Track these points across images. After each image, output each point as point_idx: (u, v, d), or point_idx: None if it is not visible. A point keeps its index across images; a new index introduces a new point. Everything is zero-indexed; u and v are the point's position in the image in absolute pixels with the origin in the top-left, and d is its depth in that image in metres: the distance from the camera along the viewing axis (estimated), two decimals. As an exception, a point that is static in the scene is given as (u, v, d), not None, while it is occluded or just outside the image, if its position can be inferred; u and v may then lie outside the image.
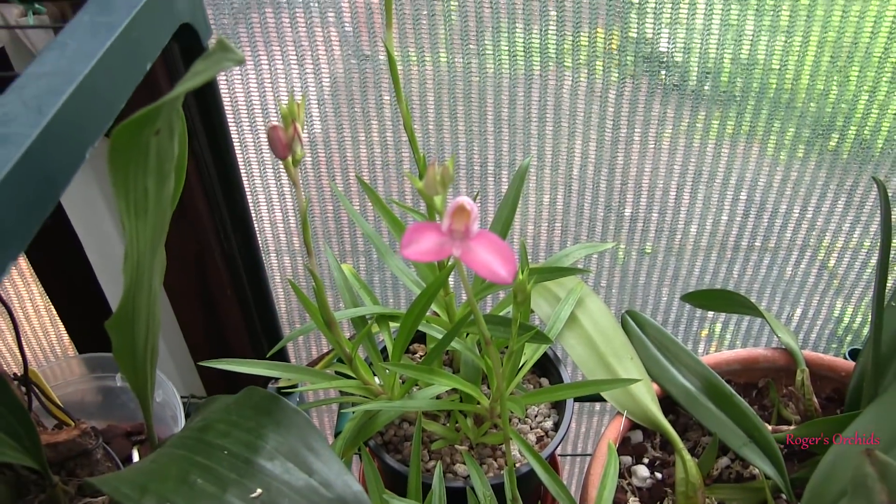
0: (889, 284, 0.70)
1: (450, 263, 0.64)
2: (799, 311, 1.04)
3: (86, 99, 0.44)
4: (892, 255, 0.65)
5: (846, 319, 1.02)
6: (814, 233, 0.94)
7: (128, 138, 0.38)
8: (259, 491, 0.46)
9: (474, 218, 0.35)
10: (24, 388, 0.70)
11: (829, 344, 1.06)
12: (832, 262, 0.98)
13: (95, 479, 0.47)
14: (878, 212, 0.89)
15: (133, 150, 0.40)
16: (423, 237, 0.35)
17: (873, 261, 0.95)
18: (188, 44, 0.61)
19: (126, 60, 0.48)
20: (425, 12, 0.78)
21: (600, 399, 0.74)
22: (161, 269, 0.53)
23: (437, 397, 0.67)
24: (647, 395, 0.70)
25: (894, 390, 0.59)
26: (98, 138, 0.44)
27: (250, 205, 0.82)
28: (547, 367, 0.75)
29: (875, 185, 0.84)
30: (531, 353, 0.70)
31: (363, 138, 0.88)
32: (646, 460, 0.70)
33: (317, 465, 0.48)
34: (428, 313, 0.69)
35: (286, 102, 0.46)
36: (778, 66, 0.80)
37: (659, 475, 0.69)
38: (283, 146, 0.47)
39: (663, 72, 0.83)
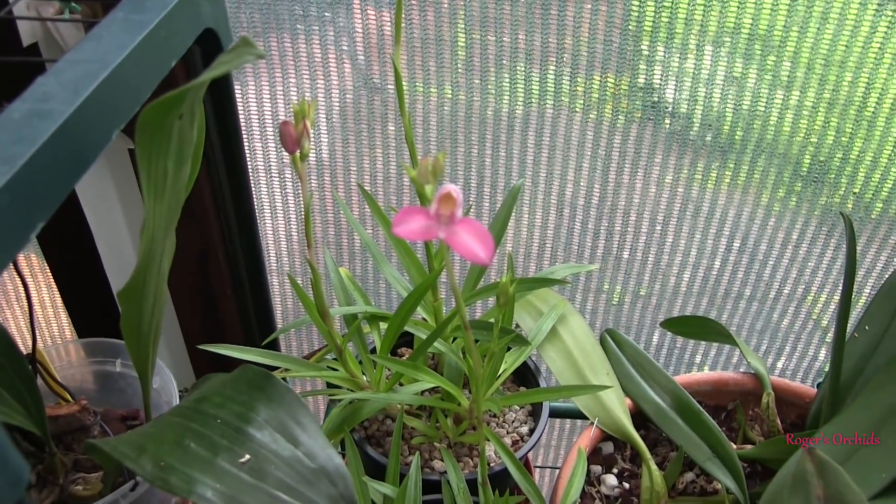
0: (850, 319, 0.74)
1: (437, 268, 0.68)
2: (783, 361, 1.07)
3: (116, 85, 0.48)
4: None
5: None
6: (802, 282, 0.98)
7: (154, 119, 0.43)
8: (247, 457, 0.49)
9: (459, 204, 0.39)
10: (30, 366, 0.73)
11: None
12: (817, 310, 1.02)
13: (97, 441, 0.51)
14: (867, 258, 0.93)
15: (158, 130, 0.44)
16: (413, 218, 0.39)
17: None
18: (210, 49, 0.65)
19: (154, 56, 0.53)
20: (433, 40, 0.83)
21: (576, 416, 0.78)
22: (170, 253, 0.57)
23: (421, 395, 0.70)
24: (619, 408, 0.74)
25: (848, 413, 0.62)
26: (125, 122, 0.48)
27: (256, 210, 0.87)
28: (527, 377, 0.79)
29: (842, 221, 0.88)
30: (511, 361, 0.74)
31: (367, 159, 0.92)
32: (615, 470, 0.74)
33: (303, 437, 0.51)
34: (418, 318, 0.73)
35: (298, 102, 0.51)
36: (776, 120, 0.85)
37: (627, 485, 0.73)
38: (292, 141, 0.51)
39: (668, 119, 0.88)
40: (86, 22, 0.71)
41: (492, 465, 0.69)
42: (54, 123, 0.42)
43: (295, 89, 0.88)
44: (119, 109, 0.49)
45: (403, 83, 0.81)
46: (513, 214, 0.78)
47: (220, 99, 0.72)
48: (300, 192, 0.95)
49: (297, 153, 0.52)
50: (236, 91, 0.86)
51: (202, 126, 0.55)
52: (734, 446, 0.71)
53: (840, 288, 0.97)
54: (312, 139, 0.91)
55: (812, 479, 0.45)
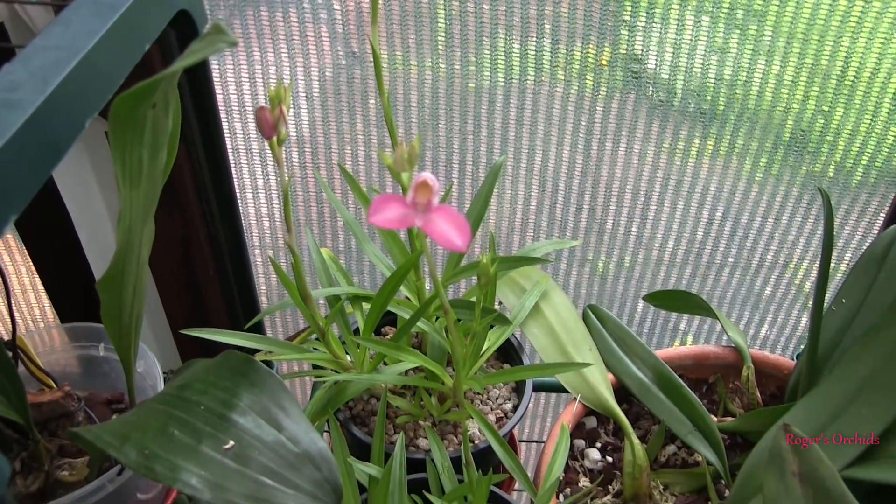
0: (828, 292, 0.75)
1: (419, 248, 0.68)
2: (765, 329, 1.08)
3: (87, 73, 0.47)
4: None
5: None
6: (783, 251, 0.98)
7: (127, 108, 0.42)
8: (231, 443, 0.50)
9: (435, 192, 0.39)
10: (10, 353, 0.73)
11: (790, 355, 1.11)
12: (799, 278, 1.03)
13: (80, 430, 0.51)
14: (846, 227, 0.94)
15: (131, 120, 0.44)
16: (389, 207, 0.39)
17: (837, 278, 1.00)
18: (185, 31, 0.64)
19: (126, 40, 0.52)
20: (412, 16, 0.82)
21: (560, 390, 0.79)
22: (149, 240, 0.57)
23: (405, 375, 0.71)
24: (602, 383, 0.74)
25: (825, 385, 0.63)
26: (98, 110, 0.48)
27: (237, 192, 0.86)
28: (510, 354, 0.79)
29: (820, 196, 0.88)
30: (495, 339, 0.74)
31: (348, 134, 0.92)
32: (598, 445, 0.75)
33: (286, 422, 0.52)
34: (401, 297, 0.73)
35: (274, 87, 0.50)
36: (758, 90, 0.85)
37: (610, 459, 0.73)
38: (269, 126, 0.51)
39: (651, 88, 0.87)
40: (55, 4, 0.70)
41: (476, 442, 0.70)
42: (24, 114, 0.41)
43: (274, 66, 0.87)
44: (92, 97, 0.48)
45: (383, 57, 0.81)
46: (495, 189, 0.78)
47: (197, 81, 0.71)
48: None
49: (275, 139, 0.52)
50: (214, 69, 0.85)
51: (178, 112, 0.54)
52: (715, 419, 0.72)
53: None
54: (293, 116, 0.91)
55: (787, 455, 0.45)
